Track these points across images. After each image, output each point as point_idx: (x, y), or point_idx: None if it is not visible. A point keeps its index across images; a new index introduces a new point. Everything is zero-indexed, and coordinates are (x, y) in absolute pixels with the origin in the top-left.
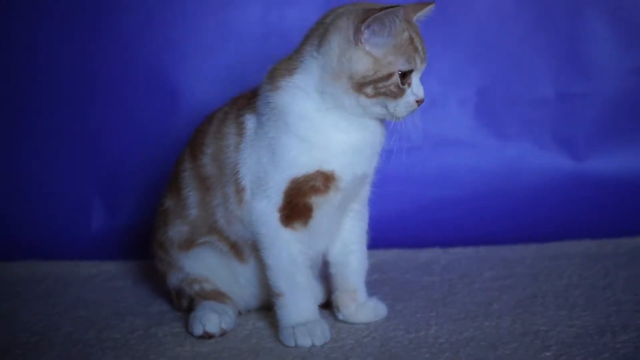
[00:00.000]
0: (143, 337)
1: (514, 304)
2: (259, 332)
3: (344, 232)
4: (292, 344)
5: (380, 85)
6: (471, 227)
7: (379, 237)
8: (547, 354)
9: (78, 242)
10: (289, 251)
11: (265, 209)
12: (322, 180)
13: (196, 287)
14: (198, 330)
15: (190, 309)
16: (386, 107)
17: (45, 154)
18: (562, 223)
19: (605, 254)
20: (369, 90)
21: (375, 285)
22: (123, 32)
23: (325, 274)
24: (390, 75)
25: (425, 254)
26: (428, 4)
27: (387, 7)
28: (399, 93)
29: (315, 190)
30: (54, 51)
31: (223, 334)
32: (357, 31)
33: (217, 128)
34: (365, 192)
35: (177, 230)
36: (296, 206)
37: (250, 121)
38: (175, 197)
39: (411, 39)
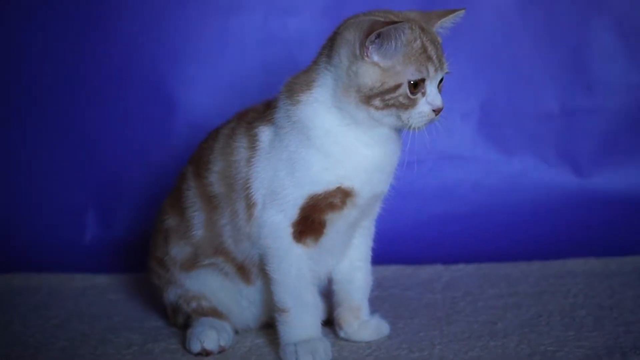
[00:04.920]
0: (139, 354)
1: (519, 323)
2: (258, 349)
3: (351, 248)
4: None
5: (387, 97)
6: (473, 243)
7: (379, 253)
8: None
9: (71, 254)
10: (298, 267)
11: (279, 223)
12: (341, 197)
13: (194, 304)
14: (196, 347)
15: (186, 325)
16: (399, 117)
17: (38, 164)
18: (566, 240)
19: (610, 273)
20: (377, 102)
21: (375, 302)
22: (119, 39)
23: (326, 291)
24: (397, 87)
25: (426, 271)
26: (455, 10)
27: (393, 22)
28: (409, 104)
29: (332, 206)
30: (48, 57)
31: (221, 351)
32: (362, 45)
33: (225, 143)
34: (376, 208)
35: (179, 251)
36: (311, 222)
37: (264, 134)
38: (178, 216)
39: (424, 48)
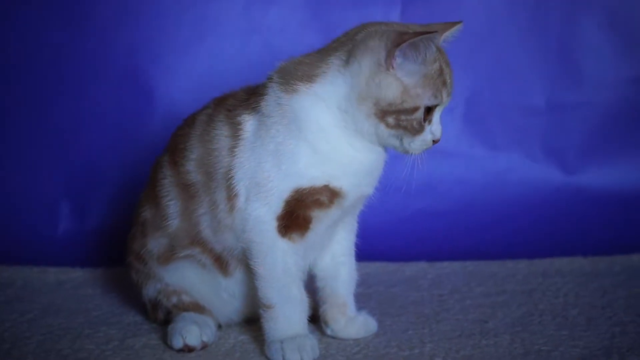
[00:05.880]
0: (119, 349)
1: (510, 322)
2: (242, 346)
3: (333, 243)
4: (280, 359)
5: (403, 117)
6: (457, 240)
7: (361, 250)
8: None
9: (43, 247)
10: (284, 262)
11: (264, 216)
12: (328, 196)
13: (174, 299)
14: (178, 343)
15: (166, 321)
16: (402, 140)
17: (11, 153)
18: (551, 237)
19: (600, 272)
20: (391, 120)
21: (360, 299)
22: (96, 27)
23: (310, 287)
24: (415, 109)
25: (410, 268)
26: (456, 23)
27: (423, 32)
28: (418, 129)
29: (319, 204)
30: (22, 48)
31: (204, 347)
32: (390, 55)
33: (204, 130)
34: (359, 206)
35: (156, 243)
36: (296, 217)
37: (249, 122)
38: (154, 207)
39: (441, 70)
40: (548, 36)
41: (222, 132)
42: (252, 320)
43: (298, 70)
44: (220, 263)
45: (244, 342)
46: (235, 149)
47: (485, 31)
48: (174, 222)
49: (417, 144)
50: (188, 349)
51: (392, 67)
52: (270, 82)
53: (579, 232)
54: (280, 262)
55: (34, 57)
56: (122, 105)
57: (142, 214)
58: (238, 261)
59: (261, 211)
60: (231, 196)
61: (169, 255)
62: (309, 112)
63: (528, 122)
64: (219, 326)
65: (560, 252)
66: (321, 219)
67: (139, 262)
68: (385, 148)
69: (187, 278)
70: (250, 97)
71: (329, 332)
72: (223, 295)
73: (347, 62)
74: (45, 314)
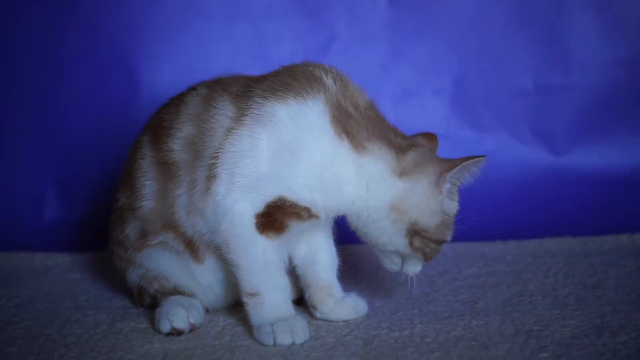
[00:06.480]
0: (108, 333)
1: (500, 302)
2: (232, 329)
3: (308, 235)
4: (271, 342)
5: (432, 245)
6: None
7: (351, 233)
8: (545, 354)
9: (30, 233)
10: (264, 255)
11: (245, 212)
12: (307, 214)
13: (156, 284)
14: (165, 326)
15: (153, 305)
16: (406, 260)
17: None
18: (541, 219)
19: (589, 252)
20: (418, 242)
21: (349, 281)
22: (82, 15)
23: (293, 273)
24: (441, 242)
25: None
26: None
27: (472, 157)
28: (429, 259)
29: (298, 216)
30: (7, 31)
31: (192, 329)
32: (442, 178)
33: (200, 109)
34: None
35: (132, 227)
36: (273, 220)
37: (261, 110)
38: (129, 189)
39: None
40: (535, 18)
41: (224, 111)
42: (239, 304)
43: (348, 124)
44: (192, 249)
45: (233, 325)
46: (234, 131)
47: (473, 14)
48: (148, 203)
49: (418, 269)
50: (176, 332)
51: (441, 192)
52: (317, 89)
53: (568, 212)
54: (261, 255)
55: (19, 46)
56: (108, 93)
57: (120, 199)
58: (207, 247)
59: (242, 206)
60: (210, 176)
61: (143, 242)
62: (338, 162)
63: (516, 104)
64: (207, 310)
65: (550, 232)
66: (295, 227)
67: (120, 248)
68: None
69: (164, 265)
70: (254, 83)
71: (318, 315)
72: (203, 282)
73: (400, 174)
74: (33, 299)
